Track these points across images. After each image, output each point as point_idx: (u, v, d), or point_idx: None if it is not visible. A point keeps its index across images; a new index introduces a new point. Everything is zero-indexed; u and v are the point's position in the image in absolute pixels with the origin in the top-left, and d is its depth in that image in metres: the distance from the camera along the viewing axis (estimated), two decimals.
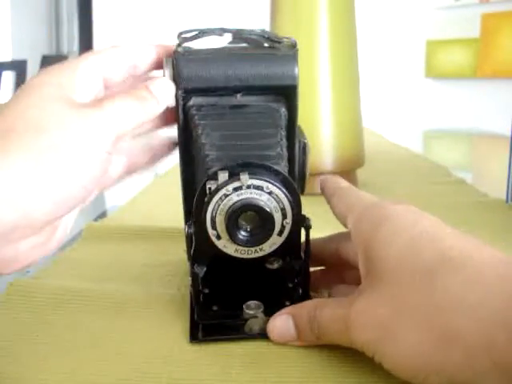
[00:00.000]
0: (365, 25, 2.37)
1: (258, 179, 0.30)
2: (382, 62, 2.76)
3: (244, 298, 0.32)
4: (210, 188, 0.30)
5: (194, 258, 0.32)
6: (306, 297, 0.33)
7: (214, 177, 0.30)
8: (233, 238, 0.30)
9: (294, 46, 0.37)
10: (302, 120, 0.64)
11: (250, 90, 0.36)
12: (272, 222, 0.30)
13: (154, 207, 0.62)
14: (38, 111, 0.28)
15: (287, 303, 0.33)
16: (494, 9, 2.46)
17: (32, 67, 2.85)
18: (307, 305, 0.30)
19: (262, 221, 0.30)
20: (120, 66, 0.33)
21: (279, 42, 0.37)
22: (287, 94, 0.37)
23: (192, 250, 0.32)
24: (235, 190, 0.30)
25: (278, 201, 0.30)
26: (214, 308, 0.33)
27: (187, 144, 0.37)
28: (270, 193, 0.30)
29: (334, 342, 0.29)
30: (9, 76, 2.79)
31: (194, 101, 0.36)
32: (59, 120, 0.28)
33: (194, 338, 0.31)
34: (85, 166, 0.29)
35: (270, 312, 0.31)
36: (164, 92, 0.34)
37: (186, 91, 0.35)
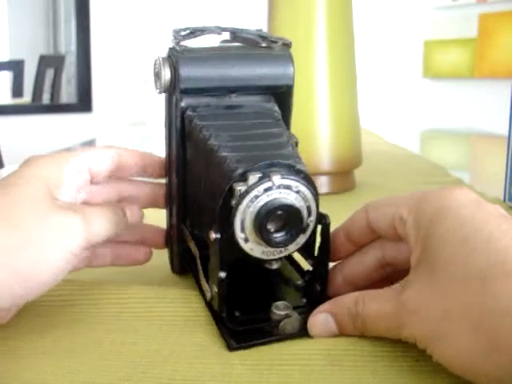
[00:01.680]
0: (362, 25, 2.37)
1: (287, 179, 0.30)
2: (380, 61, 2.76)
3: (262, 301, 0.32)
4: (240, 190, 0.29)
5: (220, 264, 0.31)
6: (324, 292, 0.33)
7: (243, 178, 0.30)
8: (266, 239, 0.29)
9: (289, 46, 0.37)
10: (300, 120, 0.65)
11: (245, 89, 0.36)
12: (301, 220, 0.30)
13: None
14: (21, 209, 0.30)
15: (303, 300, 0.33)
16: (491, 9, 2.46)
17: (29, 67, 2.85)
18: (347, 300, 0.30)
19: (290, 220, 0.30)
20: (107, 166, 0.36)
21: (275, 42, 0.37)
22: (283, 93, 0.37)
23: (218, 256, 0.31)
24: (266, 190, 0.29)
25: (305, 199, 0.30)
26: (237, 314, 0.32)
27: (181, 145, 0.36)
28: (297, 192, 0.30)
29: (379, 335, 0.29)
30: (6, 76, 2.78)
31: (185, 101, 0.35)
32: (37, 220, 0.30)
33: (231, 346, 0.30)
34: (51, 265, 0.30)
35: (299, 312, 0.31)
36: (134, 217, 0.36)
37: (183, 91, 0.35)
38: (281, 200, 0.29)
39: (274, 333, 0.31)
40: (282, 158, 0.31)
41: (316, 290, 0.33)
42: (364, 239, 0.34)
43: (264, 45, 0.37)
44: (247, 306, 0.33)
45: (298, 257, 0.35)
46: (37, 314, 0.34)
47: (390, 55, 2.77)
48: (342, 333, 0.30)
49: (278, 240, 0.30)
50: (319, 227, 0.32)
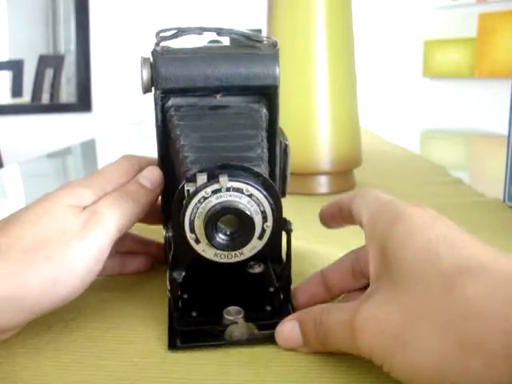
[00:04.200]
0: (362, 24, 2.37)
1: (237, 181, 0.29)
2: (380, 61, 2.76)
3: (224, 303, 0.31)
4: (188, 190, 0.29)
5: (173, 263, 0.31)
6: (287, 302, 0.32)
7: (193, 179, 0.29)
8: (212, 242, 0.29)
9: (274, 45, 0.36)
10: (300, 120, 0.65)
11: (230, 89, 0.35)
12: (252, 225, 0.29)
13: None
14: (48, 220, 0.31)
15: (268, 308, 0.32)
16: (490, 8, 2.46)
17: (29, 67, 2.85)
18: (314, 309, 0.30)
19: (241, 224, 0.29)
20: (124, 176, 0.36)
21: (260, 42, 0.36)
22: (268, 94, 0.36)
23: (170, 255, 0.31)
24: (214, 192, 0.29)
25: (259, 203, 0.30)
26: (194, 314, 0.32)
27: (165, 145, 0.36)
28: (250, 195, 0.29)
29: (339, 350, 0.28)
30: (5, 75, 2.78)
31: (172, 101, 0.35)
32: (61, 234, 0.30)
33: (173, 345, 0.30)
34: (72, 281, 0.30)
35: (250, 317, 0.31)
36: (153, 180, 0.35)
37: (164, 91, 0.35)
38: (229, 203, 0.29)
39: (220, 338, 0.30)
40: (241, 161, 0.30)
41: (280, 298, 0.33)
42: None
43: (248, 44, 0.36)
44: (207, 307, 0.32)
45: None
46: None
47: (390, 55, 2.77)
48: (306, 344, 0.29)
49: (223, 243, 0.29)
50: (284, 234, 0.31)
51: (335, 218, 0.35)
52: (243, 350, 0.30)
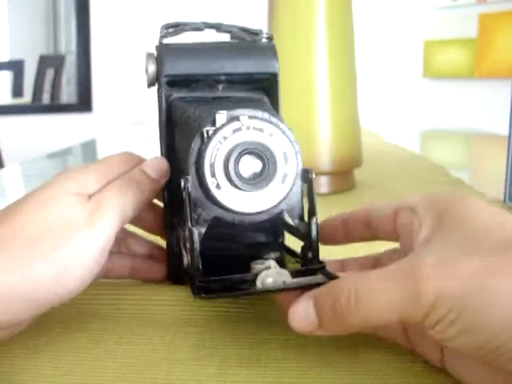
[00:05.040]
0: (362, 24, 2.37)
1: (258, 120, 0.29)
2: (380, 61, 2.76)
3: (247, 268, 0.29)
4: (207, 131, 0.28)
5: (192, 220, 0.28)
6: (315, 259, 0.30)
7: (212, 123, 0.29)
8: (234, 180, 0.28)
9: (270, 38, 0.38)
10: (300, 120, 0.65)
11: (232, 78, 0.36)
12: (274, 162, 0.28)
13: None
14: (55, 210, 0.30)
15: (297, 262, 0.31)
16: (491, 9, 2.46)
17: (29, 67, 2.85)
18: (331, 285, 0.26)
19: (264, 164, 0.28)
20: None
21: (257, 35, 0.38)
22: (268, 82, 0.37)
23: (188, 210, 0.28)
24: (235, 131, 0.28)
25: (280, 144, 0.29)
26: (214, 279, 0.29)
27: (169, 137, 0.36)
28: (270, 135, 0.29)
29: (370, 320, 0.24)
30: (6, 76, 2.78)
31: (176, 95, 0.36)
32: (66, 222, 0.29)
33: (198, 293, 0.27)
34: (80, 272, 0.29)
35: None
36: (159, 169, 0.34)
37: (168, 81, 0.36)
38: (251, 139, 0.28)
39: (251, 287, 0.28)
40: (256, 107, 0.30)
41: (307, 258, 0.30)
42: (357, 231, 0.32)
43: (248, 38, 0.38)
44: (227, 272, 0.29)
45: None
46: None
47: (390, 55, 2.77)
48: (321, 324, 0.26)
49: (246, 182, 0.28)
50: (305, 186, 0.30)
51: (336, 231, 0.34)
52: (243, 350, 0.30)
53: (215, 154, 0.28)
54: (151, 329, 0.32)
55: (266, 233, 0.35)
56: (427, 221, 0.27)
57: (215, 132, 0.28)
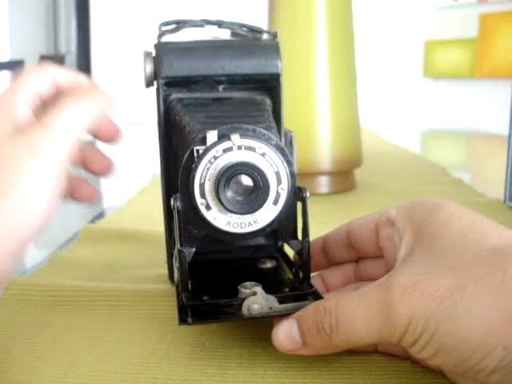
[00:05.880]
0: (362, 25, 2.37)
1: (249, 138, 0.28)
2: (380, 61, 2.76)
3: (235, 288, 0.29)
4: (197, 151, 0.28)
5: (181, 238, 0.28)
6: (306, 280, 0.30)
7: (202, 142, 0.28)
8: (224, 203, 0.27)
9: (274, 36, 0.37)
10: (300, 120, 0.65)
11: (233, 78, 0.35)
12: (267, 184, 0.27)
13: (151, 208, 0.62)
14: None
15: (286, 290, 0.30)
16: (491, 9, 2.46)
17: None
18: (314, 305, 0.27)
19: (255, 185, 0.27)
20: (49, 81, 0.33)
21: (260, 32, 0.36)
22: (271, 83, 0.36)
23: (178, 228, 0.28)
24: (225, 151, 0.28)
25: (272, 164, 0.28)
26: (204, 298, 0.29)
27: (167, 138, 0.36)
28: (263, 154, 0.28)
29: (349, 344, 0.25)
30: (6, 76, 2.78)
31: (175, 95, 0.35)
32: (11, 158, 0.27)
33: (183, 320, 0.27)
34: (39, 206, 0.27)
35: (270, 293, 0.28)
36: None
37: (166, 79, 0.35)
38: (243, 159, 0.27)
39: (237, 312, 0.27)
40: (249, 123, 0.29)
41: (299, 278, 0.30)
42: (340, 254, 0.33)
43: (250, 36, 0.37)
44: (217, 292, 0.29)
45: None
46: (30, 314, 0.34)
47: (390, 55, 2.77)
48: (305, 343, 0.26)
49: (236, 204, 0.27)
50: (299, 205, 0.30)
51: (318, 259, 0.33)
52: (243, 350, 0.30)
53: (205, 174, 0.28)
54: (151, 328, 0.33)
55: (266, 235, 0.35)
56: (406, 236, 0.27)
57: (205, 152, 0.28)
